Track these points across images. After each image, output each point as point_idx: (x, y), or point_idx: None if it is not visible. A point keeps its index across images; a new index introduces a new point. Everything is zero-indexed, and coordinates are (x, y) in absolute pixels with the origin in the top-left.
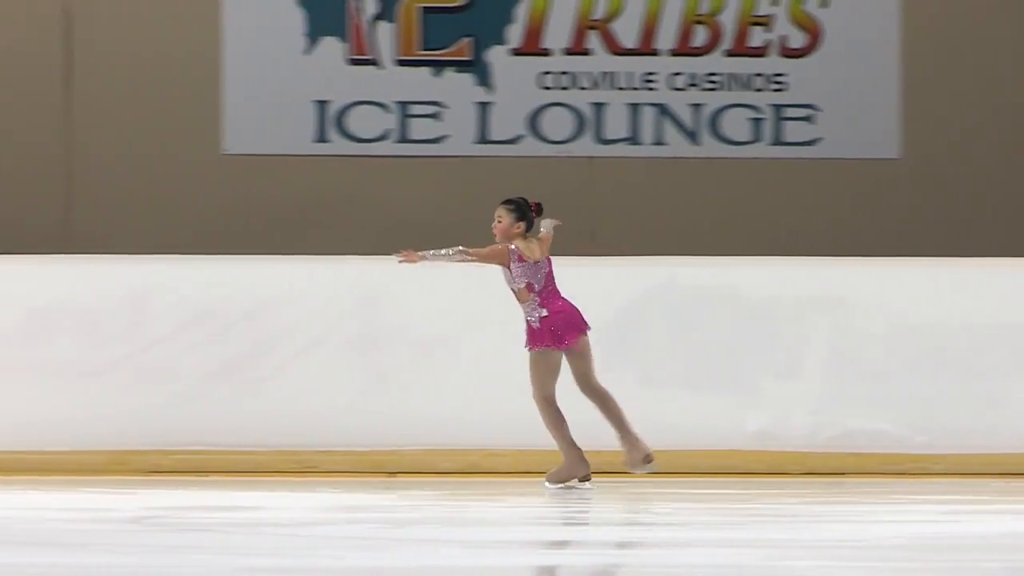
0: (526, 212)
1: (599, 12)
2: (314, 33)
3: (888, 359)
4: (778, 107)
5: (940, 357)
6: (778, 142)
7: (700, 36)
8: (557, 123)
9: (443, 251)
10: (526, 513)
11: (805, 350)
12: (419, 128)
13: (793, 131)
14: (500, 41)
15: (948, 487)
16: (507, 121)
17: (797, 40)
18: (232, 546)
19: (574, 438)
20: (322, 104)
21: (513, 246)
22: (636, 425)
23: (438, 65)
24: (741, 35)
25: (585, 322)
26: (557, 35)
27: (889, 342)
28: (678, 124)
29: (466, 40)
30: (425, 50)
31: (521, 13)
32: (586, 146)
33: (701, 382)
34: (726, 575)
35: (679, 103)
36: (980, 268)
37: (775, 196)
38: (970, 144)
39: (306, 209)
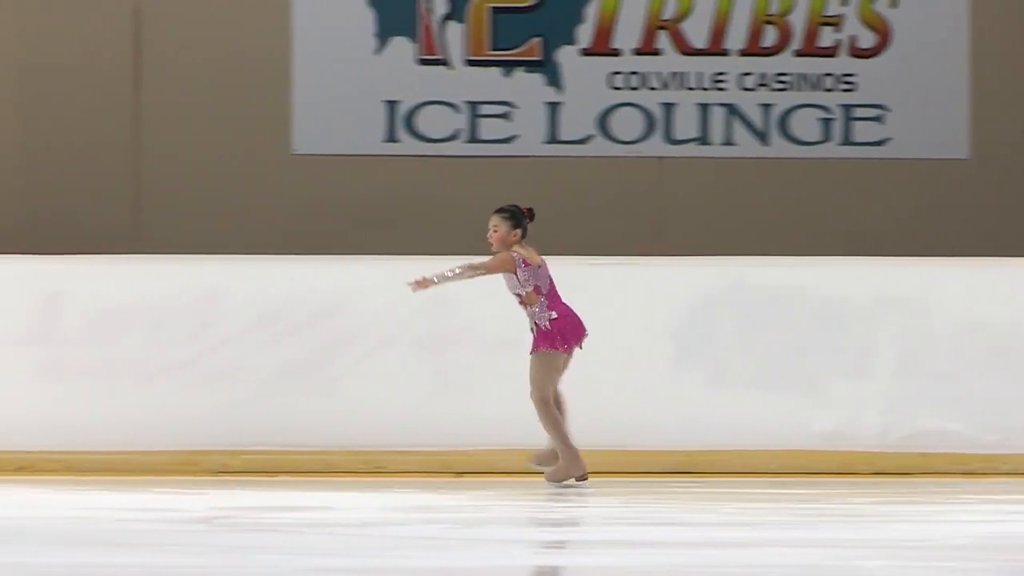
0: (521, 219)
1: (669, 12)
2: (384, 33)
3: (957, 359)
4: (847, 107)
5: (1009, 357)
6: (847, 142)
7: (770, 36)
8: (627, 123)
9: (451, 271)
10: (595, 513)
11: (874, 350)
12: (489, 128)
13: (862, 131)
14: (570, 41)
15: (1016, 487)
16: (577, 121)
17: (867, 40)
18: (301, 546)
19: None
20: (392, 104)
21: (515, 253)
22: (706, 426)
23: (508, 65)
24: (811, 35)
25: (584, 327)
26: (627, 35)
27: (958, 342)
28: (747, 124)
29: (536, 40)
30: (495, 50)
31: (591, 13)
32: (655, 146)
33: (770, 382)
34: (796, 575)
35: (749, 103)
36: None
37: (844, 196)
38: None
39: (375, 209)
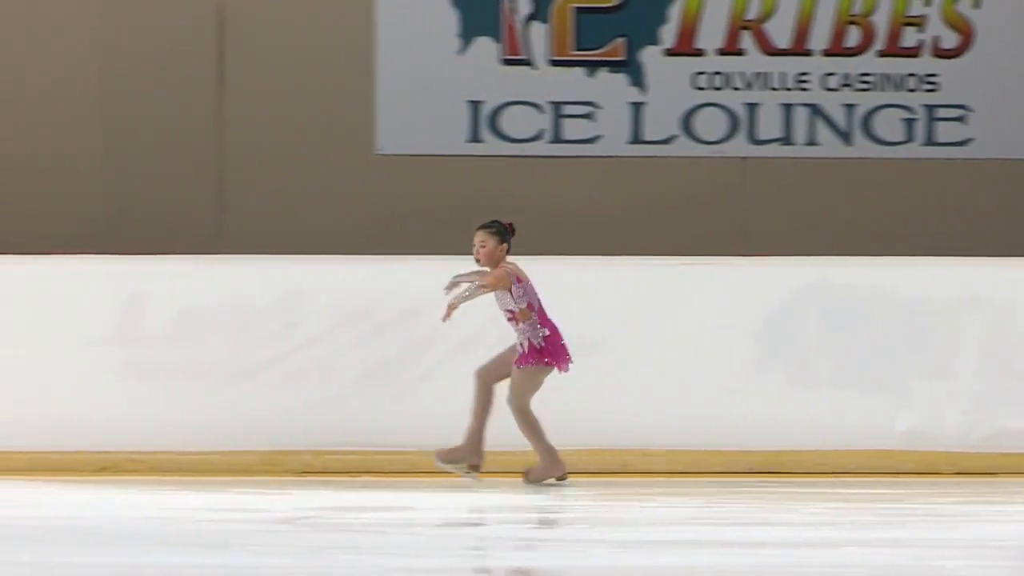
0: (506, 234)
1: (752, 12)
2: (468, 33)
3: None
4: (930, 107)
5: None
6: (930, 142)
7: (853, 36)
8: (710, 123)
9: (467, 292)
10: (678, 513)
11: (957, 350)
12: (572, 128)
13: (945, 131)
14: (653, 41)
15: None
16: (660, 121)
17: (950, 40)
18: (383, 546)
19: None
20: (475, 104)
21: (508, 268)
22: (789, 425)
23: (592, 65)
24: (894, 35)
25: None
26: (710, 35)
27: None
28: (831, 124)
29: (619, 40)
30: (579, 50)
31: (674, 13)
32: (739, 146)
33: (853, 382)
34: (879, 575)
35: (832, 103)
36: None
37: (927, 196)
38: None
39: (458, 209)
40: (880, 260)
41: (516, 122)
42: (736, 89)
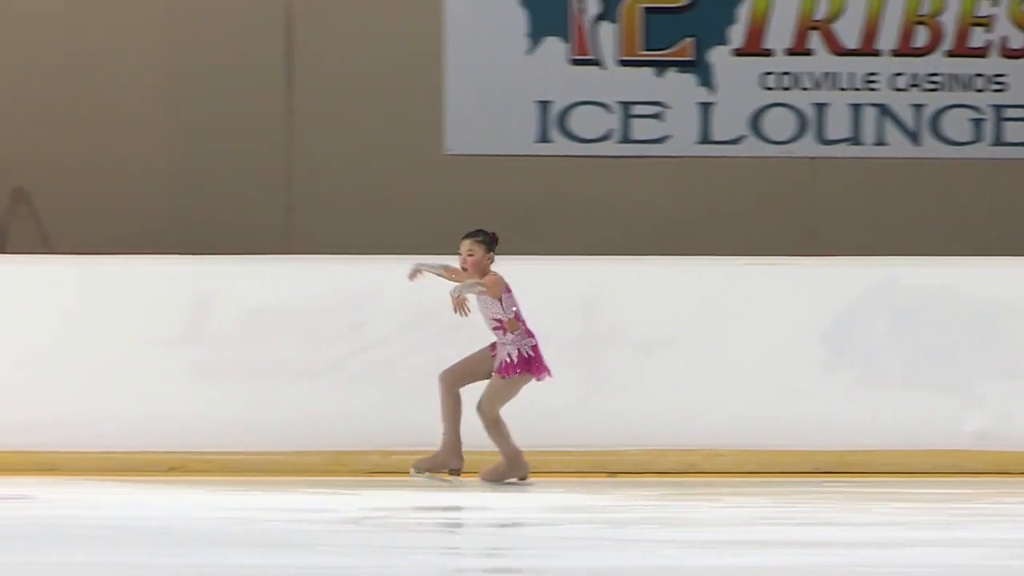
0: (492, 244)
1: (821, 12)
2: (537, 33)
3: None
4: (998, 107)
5: None
6: (998, 142)
7: (921, 37)
8: (779, 123)
9: (468, 286)
10: (746, 513)
11: None
12: (641, 128)
13: (1013, 131)
14: (722, 41)
15: None
16: (729, 121)
17: (1017, 40)
18: (451, 546)
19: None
20: (544, 104)
21: (498, 277)
22: (857, 426)
23: (660, 65)
24: (962, 35)
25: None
26: (779, 35)
27: None
28: (899, 124)
29: (688, 40)
30: (647, 50)
31: (743, 13)
32: (808, 146)
33: (921, 382)
34: (949, 574)
35: (900, 103)
36: None
37: (995, 196)
38: None
39: (527, 209)
40: (948, 260)
41: (584, 122)
42: (804, 89)
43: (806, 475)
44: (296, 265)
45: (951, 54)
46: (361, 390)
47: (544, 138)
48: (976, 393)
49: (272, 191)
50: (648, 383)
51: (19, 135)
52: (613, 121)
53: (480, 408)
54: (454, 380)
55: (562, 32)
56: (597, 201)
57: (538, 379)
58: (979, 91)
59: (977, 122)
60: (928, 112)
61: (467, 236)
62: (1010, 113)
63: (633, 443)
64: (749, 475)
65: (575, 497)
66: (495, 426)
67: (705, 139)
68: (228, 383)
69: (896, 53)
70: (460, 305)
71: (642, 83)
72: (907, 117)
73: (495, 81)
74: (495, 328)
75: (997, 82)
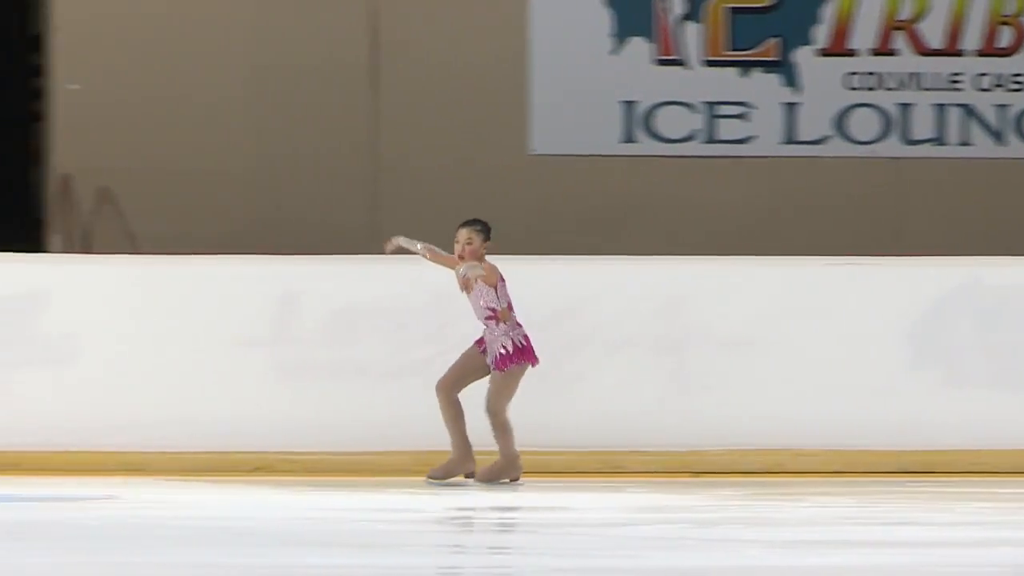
0: (488, 233)
1: (905, 13)
2: (621, 33)
3: None
4: None
5: None
6: None
7: (1005, 37)
8: (863, 124)
9: (471, 268)
10: (830, 513)
11: None
12: (726, 128)
13: None
14: (807, 42)
15: None
16: (814, 122)
17: None
18: (537, 546)
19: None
20: (629, 104)
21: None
22: (942, 425)
23: (745, 65)
24: None
25: None
26: (863, 36)
27: None
28: (984, 124)
29: (773, 41)
30: (732, 50)
31: (828, 14)
32: (892, 147)
33: (1007, 381)
34: None
35: (984, 104)
36: None
37: None
38: None
39: (612, 209)
40: None
41: (669, 122)
42: (889, 90)
43: (891, 475)
44: (381, 265)
45: None
46: None
47: (629, 138)
48: None
49: (357, 191)
50: (732, 383)
51: (104, 135)
52: (698, 121)
53: (488, 409)
54: (450, 387)
55: (647, 32)
56: (681, 201)
57: (533, 366)
58: None
59: None
60: (1012, 112)
61: (465, 224)
62: None
63: (717, 443)
64: (834, 475)
65: (659, 497)
66: (502, 427)
67: (790, 139)
68: (313, 383)
69: (980, 53)
70: (467, 285)
71: (727, 83)
72: (991, 117)
73: (580, 81)
74: (487, 318)
75: None
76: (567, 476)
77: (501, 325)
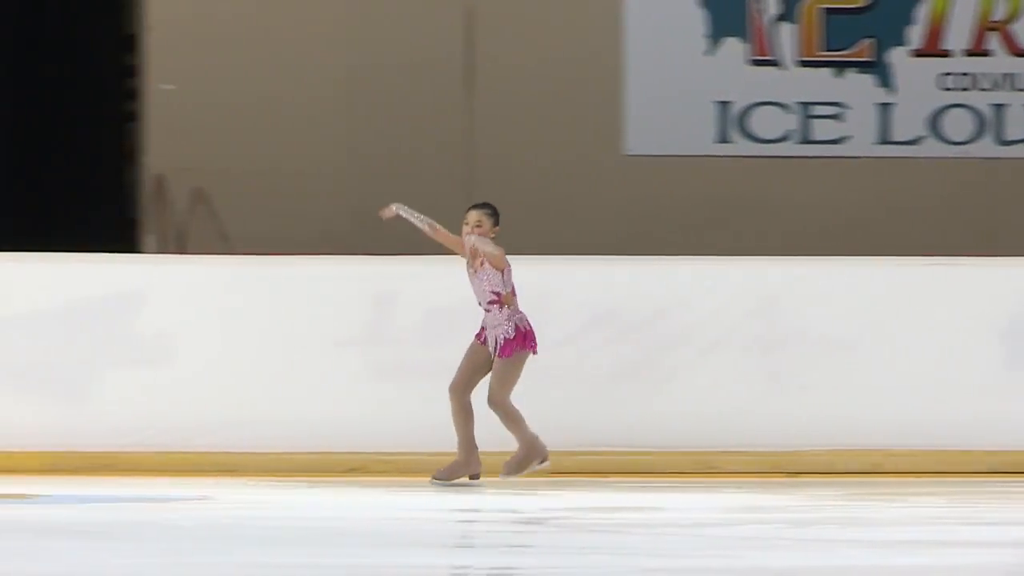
0: (498, 218)
1: (999, 13)
2: (716, 34)
3: None
4: None
5: None
6: None
7: None
8: (957, 124)
9: (484, 244)
10: (926, 513)
11: None
12: (821, 129)
13: None
14: (901, 42)
15: None
16: (908, 122)
17: None
18: (632, 547)
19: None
20: (724, 105)
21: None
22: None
23: (839, 66)
24: None
25: None
26: (957, 36)
27: None
28: None
29: (867, 41)
30: (827, 51)
31: (922, 14)
32: (986, 147)
33: None
34: None
35: None
36: None
37: None
38: None
39: (707, 209)
40: None
41: (764, 122)
42: (983, 90)
43: (986, 475)
44: None
45: None
46: (543, 390)
47: (723, 139)
48: None
49: (453, 191)
50: (828, 383)
51: (198, 135)
52: (792, 122)
53: (492, 401)
54: (463, 389)
55: (741, 33)
56: (775, 202)
57: (534, 353)
58: None
59: None
60: None
61: (475, 207)
62: None
63: (812, 444)
64: (928, 475)
65: (753, 497)
66: (509, 416)
67: (884, 140)
68: (410, 383)
69: None
70: (474, 255)
71: (821, 84)
72: None
73: (675, 82)
74: (491, 302)
75: None
76: (661, 476)
77: (504, 310)
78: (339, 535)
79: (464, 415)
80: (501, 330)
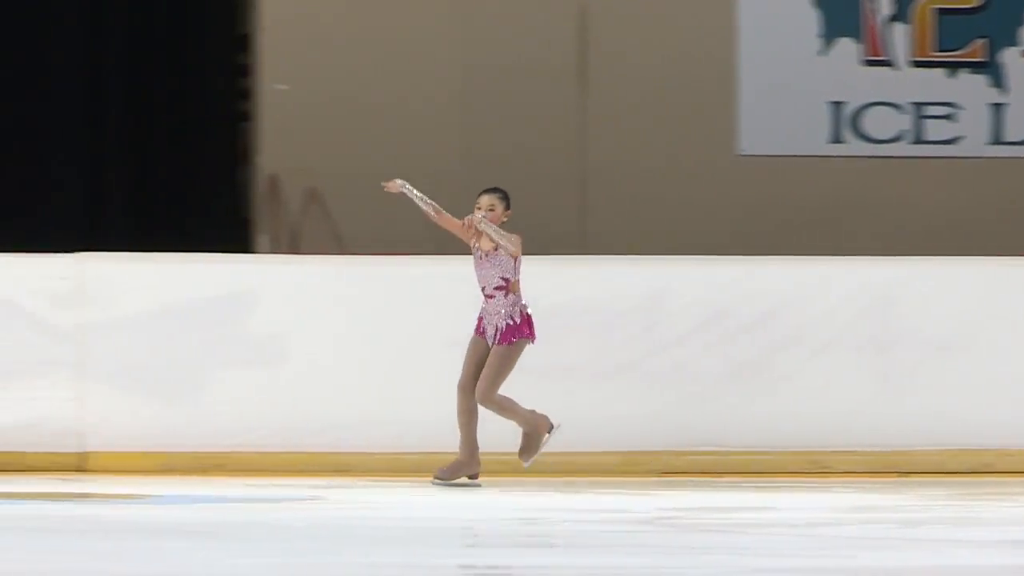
0: (510, 203)
1: None
2: (829, 34)
3: None
4: None
5: None
6: None
7: None
8: None
9: (497, 233)
10: None
11: None
12: (933, 129)
13: None
14: (1014, 42)
15: None
16: (1021, 122)
17: None
18: (743, 547)
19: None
20: (837, 105)
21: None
22: None
23: (952, 66)
24: None
25: None
26: None
27: None
28: None
29: (980, 41)
30: (939, 51)
31: None
32: None
33: None
34: None
35: None
36: None
37: None
38: None
39: (820, 209)
40: None
41: (877, 123)
42: None
43: None
44: (590, 266)
45: None
46: (655, 391)
47: (837, 139)
48: None
49: (565, 192)
50: (941, 382)
51: (312, 136)
52: (906, 122)
53: (481, 397)
54: (472, 388)
55: (855, 33)
56: (888, 202)
57: (532, 342)
58: None
59: None
60: None
61: (487, 191)
62: None
63: (925, 443)
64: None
65: (865, 497)
66: (501, 406)
67: (997, 140)
68: (521, 384)
69: None
70: (479, 237)
71: (934, 84)
72: None
73: (788, 82)
74: (497, 288)
75: None
76: (773, 476)
77: (509, 296)
78: (449, 535)
79: (469, 415)
80: (501, 316)
